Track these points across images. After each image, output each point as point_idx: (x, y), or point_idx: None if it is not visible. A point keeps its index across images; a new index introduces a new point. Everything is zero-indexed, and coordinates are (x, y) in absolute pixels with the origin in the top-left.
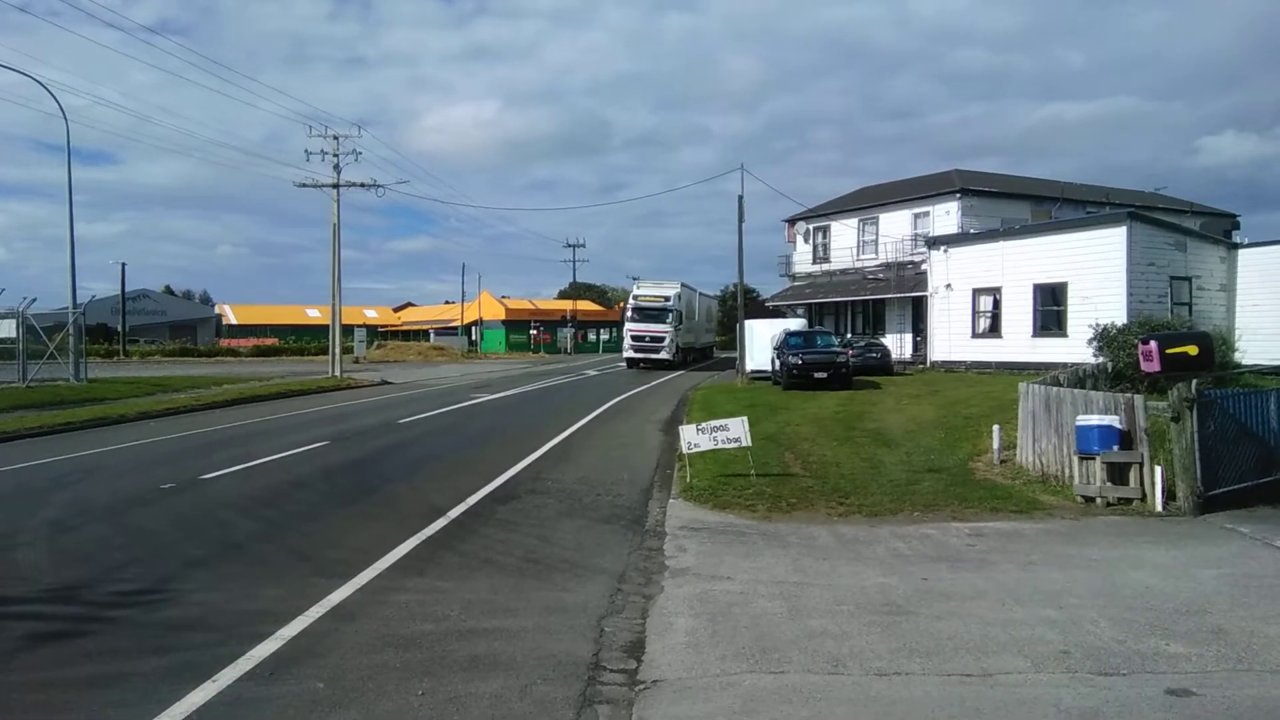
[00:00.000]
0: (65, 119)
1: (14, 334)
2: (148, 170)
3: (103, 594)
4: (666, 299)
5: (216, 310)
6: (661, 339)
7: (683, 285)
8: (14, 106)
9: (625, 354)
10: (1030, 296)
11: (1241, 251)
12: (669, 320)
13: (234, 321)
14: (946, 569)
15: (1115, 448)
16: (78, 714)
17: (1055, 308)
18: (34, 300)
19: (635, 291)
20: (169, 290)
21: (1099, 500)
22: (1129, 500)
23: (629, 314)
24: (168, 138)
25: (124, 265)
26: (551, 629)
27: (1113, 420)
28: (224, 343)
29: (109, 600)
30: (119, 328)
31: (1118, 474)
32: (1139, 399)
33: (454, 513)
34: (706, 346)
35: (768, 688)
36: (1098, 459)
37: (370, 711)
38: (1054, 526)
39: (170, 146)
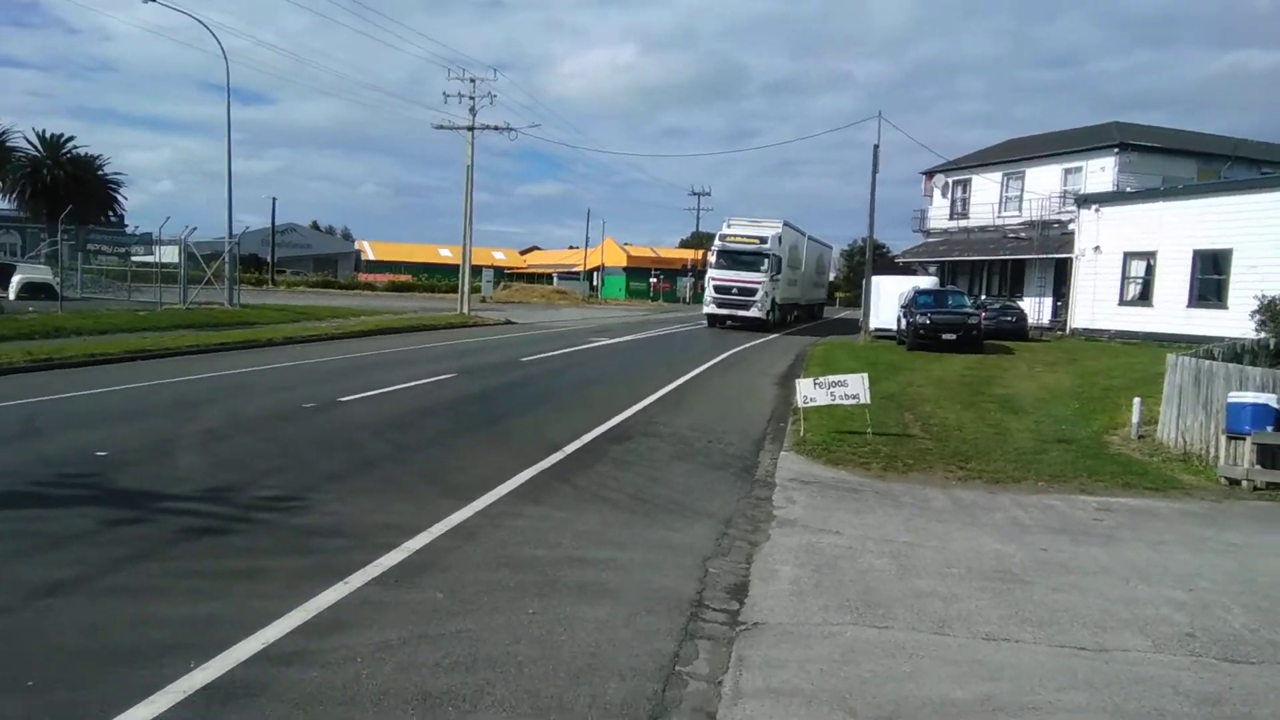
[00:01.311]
0: (226, 60)
1: (177, 259)
2: (301, 109)
3: (249, 498)
4: (763, 240)
5: (356, 246)
6: (753, 291)
7: (785, 225)
8: (181, 47)
9: (705, 308)
10: (1189, 263)
11: None
12: (764, 268)
13: (372, 257)
14: (1068, 541)
15: (1269, 428)
16: (226, 601)
17: (1216, 276)
18: (195, 229)
19: (723, 230)
20: (315, 225)
21: (1245, 483)
22: (1279, 486)
23: (713, 258)
24: (319, 79)
25: (274, 200)
26: (658, 565)
27: (1269, 399)
28: (362, 277)
29: (255, 504)
30: (268, 258)
31: (1269, 457)
32: None
33: (570, 448)
34: (815, 304)
35: (870, 640)
36: (1248, 439)
37: (485, 624)
38: (1191, 507)
39: (321, 88)
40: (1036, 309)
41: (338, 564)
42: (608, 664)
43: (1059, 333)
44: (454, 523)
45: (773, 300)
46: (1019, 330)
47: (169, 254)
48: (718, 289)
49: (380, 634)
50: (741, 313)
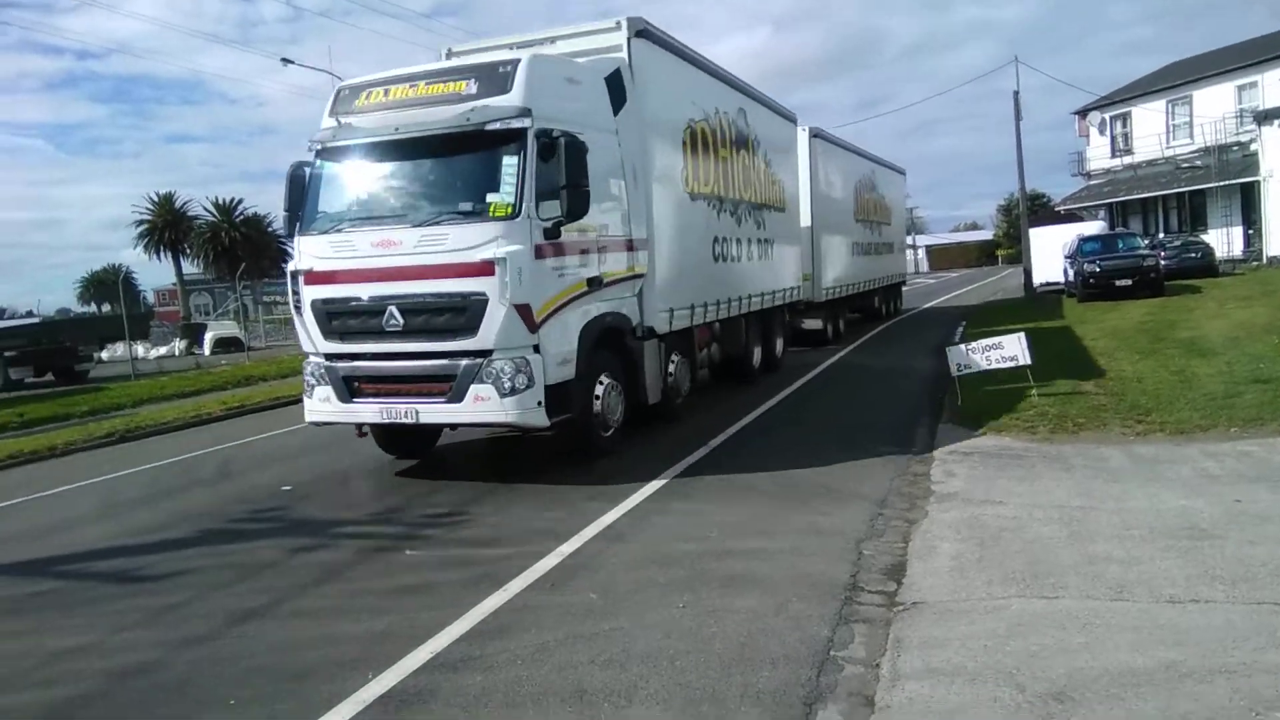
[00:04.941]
0: None
1: None
2: None
3: (417, 516)
4: (493, 82)
5: None
6: (462, 309)
7: (644, 35)
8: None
9: (306, 394)
10: None
11: None
12: (506, 193)
13: None
14: (1266, 490)
15: None
16: (399, 616)
17: None
18: None
19: (345, 85)
20: None
21: None
22: None
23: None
24: None
25: None
26: (808, 550)
27: None
28: None
29: (421, 521)
30: None
31: None
32: None
33: (715, 441)
34: (874, 286)
35: (1038, 612)
36: None
37: (636, 620)
38: None
39: None
40: (1225, 241)
41: (497, 573)
42: (759, 653)
43: (1254, 264)
44: (603, 524)
45: (577, 342)
46: (1206, 266)
47: None
48: (324, 315)
49: (539, 636)
50: (420, 404)
